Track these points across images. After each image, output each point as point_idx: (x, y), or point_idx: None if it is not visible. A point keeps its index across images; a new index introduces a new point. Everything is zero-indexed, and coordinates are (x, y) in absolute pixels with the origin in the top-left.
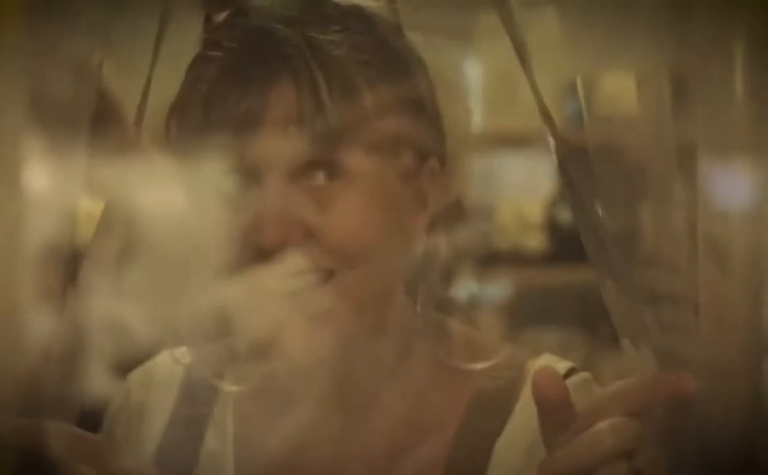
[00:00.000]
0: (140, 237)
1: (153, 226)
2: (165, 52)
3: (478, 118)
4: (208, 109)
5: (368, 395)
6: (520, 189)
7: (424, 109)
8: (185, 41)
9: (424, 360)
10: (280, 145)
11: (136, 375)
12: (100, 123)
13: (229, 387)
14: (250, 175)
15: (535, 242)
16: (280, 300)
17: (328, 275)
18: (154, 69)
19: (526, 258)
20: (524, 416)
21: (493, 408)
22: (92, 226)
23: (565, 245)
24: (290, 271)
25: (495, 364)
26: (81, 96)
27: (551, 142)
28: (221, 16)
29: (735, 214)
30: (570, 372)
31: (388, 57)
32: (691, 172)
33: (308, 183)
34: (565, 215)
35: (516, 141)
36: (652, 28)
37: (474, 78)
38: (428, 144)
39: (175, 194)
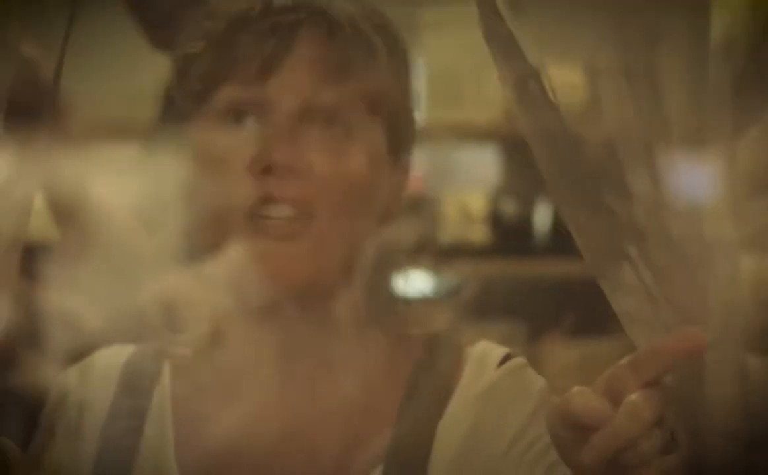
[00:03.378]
0: (91, 228)
1: (104, 218)
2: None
3: (423, 112)
4: (232, 47)
5: (313, 385)
6: (465, 182)
7: (411, 105)
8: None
9: (372, 345)
10: (298, 85)
11: (72, 372)
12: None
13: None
14: (261, 111)
15: (479, 235)
16: (224, 292)
17: (309, 218)
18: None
19: (470, 251)
20: (463, 399)
21: (432, 390)
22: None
23: (509, 237)
24: (234, 264)
25: (435, 336)
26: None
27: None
28: None
29: (690, 206)
30: (506, 358)
31: (399, 48)
32: (648, 165)
33: (315, 128)
34: (508, 208)
35: (460, 134)
36: (601, 20)
37: (419, 72)
38: (408, 140)
39: (127, 184)
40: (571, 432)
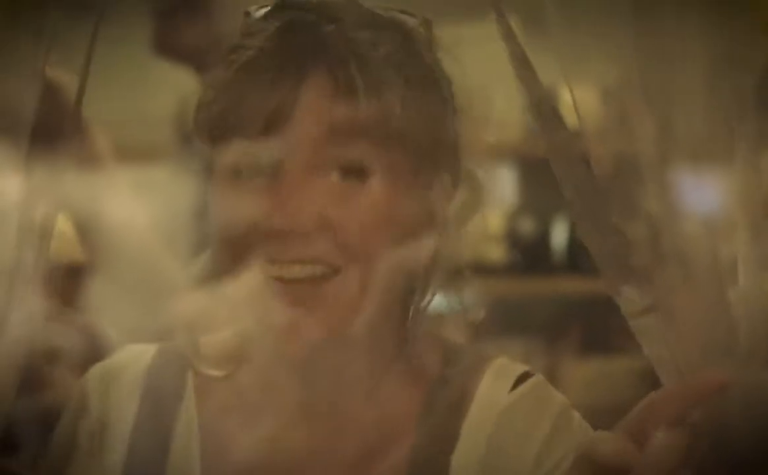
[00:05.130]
0: (109, 248)
1: (122, 237)
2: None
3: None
4: (240, 98)
5: (333, 402)
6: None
7: (444, 125)
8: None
9: (391, 361)
10: (307, 137)
11: (92, 381)
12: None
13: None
14: (272, 165)
15: (497, 253)
16: (246, 311)
17: (334, 272)
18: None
19: (488, 269)
20: (481, 415)
21: (449, 406)
22: (61, 240)
23: (527, 255)
24: (255, 283)
25: (453, 350)
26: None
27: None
28: (260, 12)
29: (700, 223)
30: (524, 376)
31: (419, 69)
32: (660, 182)
33: (328, 178)
34: (526, 226)
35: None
36: (617, 40)
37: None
38: (444, 159)
39: (143, 205)
40: None
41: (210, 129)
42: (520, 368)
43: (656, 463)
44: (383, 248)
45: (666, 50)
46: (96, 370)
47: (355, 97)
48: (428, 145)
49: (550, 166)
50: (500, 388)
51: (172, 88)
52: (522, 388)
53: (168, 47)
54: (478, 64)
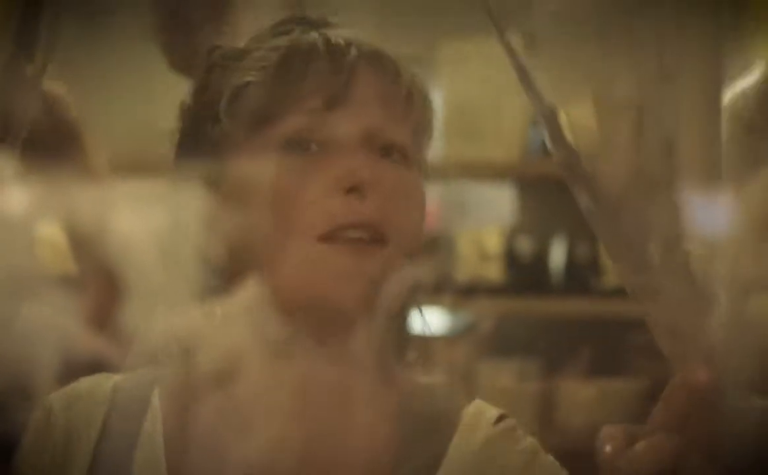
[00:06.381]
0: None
1: (123, 252)
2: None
3: (439, 148)
4: (295, 78)
5: (329, 419)
6: (480, 220)
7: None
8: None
9: (387, 380)
10: (363, 117)
11: (58, 397)
12: (55, 145)
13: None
14: (325, 141)
15: (495, 272)
16: (241, 328)
17: (381, 244)
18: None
19: (485, 288)
20: (456, 458)
21: (426, 449)
22: (53, 252)
23: (524, 275)
24: (251, 298)
25: (433, 389)
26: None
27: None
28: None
29: (702, 243)
30: (499, 419)
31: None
32: (662, 202)
33: (378, 155)
34: (523, 246)
35: (475, 171)
36: (615, 59)
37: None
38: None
39: (147, 218)
40: None
41: (259, 107)
42: (496, 412)
43: (637, 469)
44: (411, 237)
45: (663, 69)
46: (60, 391)
47: (405, 89)
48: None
49: (548, 186)
50: (476, 431)
51: (174, 98)
52: (495, 429)
53: (180, 61)
54: (478, 83)
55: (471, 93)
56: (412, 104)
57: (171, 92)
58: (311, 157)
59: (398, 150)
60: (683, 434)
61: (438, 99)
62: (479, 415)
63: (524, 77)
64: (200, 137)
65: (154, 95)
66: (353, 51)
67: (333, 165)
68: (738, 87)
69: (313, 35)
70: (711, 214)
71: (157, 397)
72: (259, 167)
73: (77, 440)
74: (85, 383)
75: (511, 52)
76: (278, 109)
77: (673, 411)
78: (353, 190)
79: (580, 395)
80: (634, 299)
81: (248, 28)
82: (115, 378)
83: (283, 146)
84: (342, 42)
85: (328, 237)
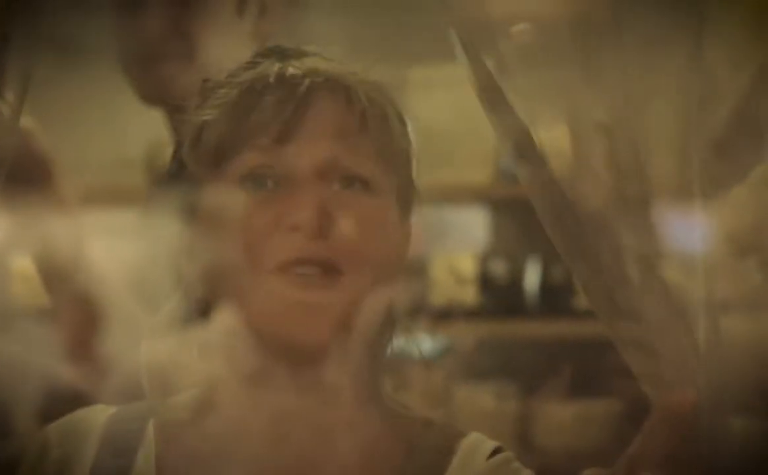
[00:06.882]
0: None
1: (96, 282)
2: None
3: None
4: (251, 113)
5: (307, 451)
6: (454, 244)
7: (410, 170)
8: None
9: (368, 413)
10: (318, 148)
11: (51, 430)
12: (26, 179)
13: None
14: (281, 175)
15: (470, 296)
16: (216, 358)
17: (337, 275)
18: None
19: (460, 312)
20: None
21: None
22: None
23: (499, 298)
24: (226, 328)
25: (429, 422)
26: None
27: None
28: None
29: (684, 259)
30: (495, 451)
31: (392, 101)
32: (637, 222)
33: (334, 186)
34: (498, 269)
35: (449, 195)
36: (588, 81)
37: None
38: (409, 204)
39: (120, 249)
40: None
41: (216, 143)
42: (492, 444)
43: None
44: (374, 268)
45: (636, 89)
46: (56, 423)
47: (362, 115)
48: (407, 185)
49: (521, 209)
50: (472, 463)
51: (145, 131)
52: (491, 462)
53: (154, 99)
54: (449, 108)
55: (442, 117)
56: (367, 131)
57: (141, 125)
58: (267, 194)
59: (359, 179)
60: (664, 470)
61: (408, 124)
62: (475, 447)
63: (494, 100)
64: (174, 171)
65: (125, 128)
66: (306, 82)
67: (283, 201)
68: (710, 107)
69: (274, 68)
70: (686, 234)
71: (152, 429)
72: (222, 202)
73: (72, 468)
74: (80, 415)
75: (482, 76)
76: (233, 146)
77: (655, 447)
78: (296, 228)
79: (558, 416)
80: (605, 322)
81: (219, 61)
82: (110, 410)
83: (241, 183)
84: (299, 73)
85: (282, 271)
